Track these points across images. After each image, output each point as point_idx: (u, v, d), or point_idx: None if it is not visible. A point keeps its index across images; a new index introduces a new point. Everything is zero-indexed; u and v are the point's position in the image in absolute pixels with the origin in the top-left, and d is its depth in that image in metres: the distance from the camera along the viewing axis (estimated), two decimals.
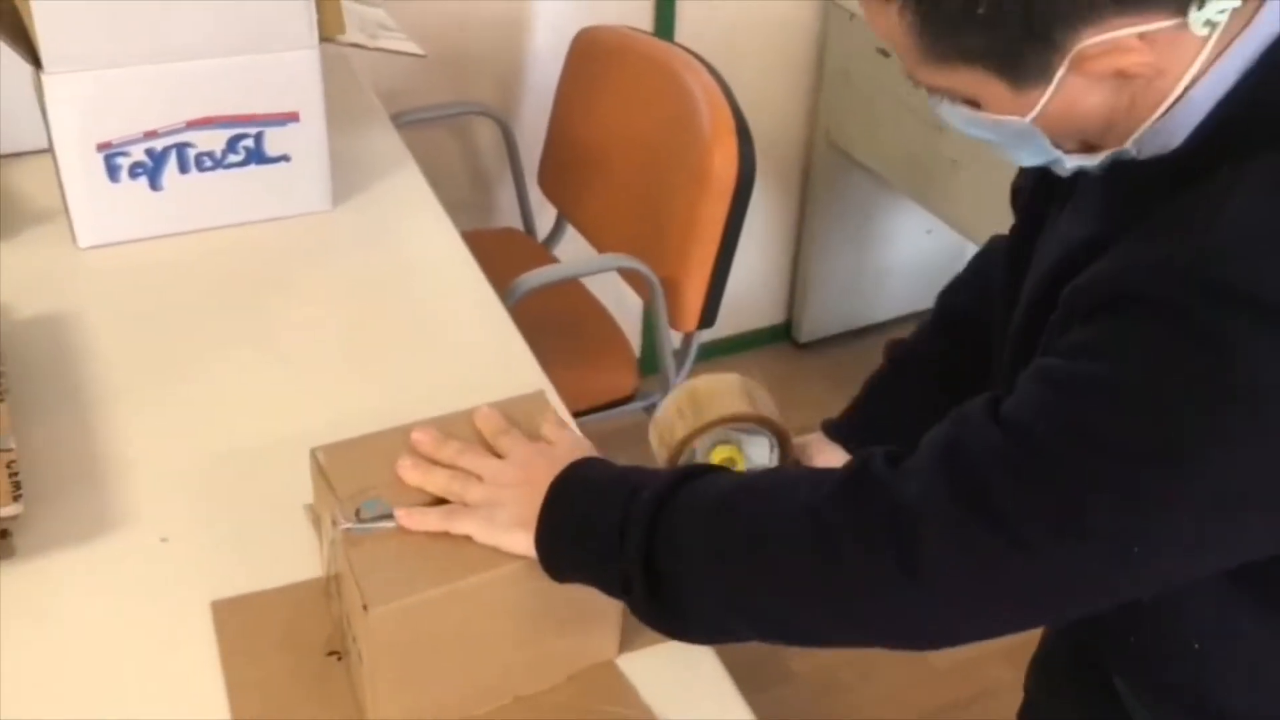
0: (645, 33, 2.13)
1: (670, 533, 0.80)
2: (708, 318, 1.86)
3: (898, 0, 0.73)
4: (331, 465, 0.91)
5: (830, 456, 1.06)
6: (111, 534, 1.05)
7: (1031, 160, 0.81)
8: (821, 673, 2.07)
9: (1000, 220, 0.99)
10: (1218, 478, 0.68)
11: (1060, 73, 0.72)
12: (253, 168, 1.44)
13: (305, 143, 1.45)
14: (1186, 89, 0.73)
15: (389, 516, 0.87)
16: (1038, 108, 0.74)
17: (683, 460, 0.99)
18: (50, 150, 1.38)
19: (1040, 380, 0.73)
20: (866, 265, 2.76)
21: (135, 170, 1.40)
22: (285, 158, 1.45)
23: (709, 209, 1.77)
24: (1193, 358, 0.67)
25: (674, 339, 1.92)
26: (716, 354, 2.69)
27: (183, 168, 1.41)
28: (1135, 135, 0.76)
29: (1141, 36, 0.70)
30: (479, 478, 0.89)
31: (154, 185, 1.41)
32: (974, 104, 0.77)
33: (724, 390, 1.00)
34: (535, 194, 2.23)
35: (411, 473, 0.90)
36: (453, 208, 1.56)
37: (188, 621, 0.97)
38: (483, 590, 0.86)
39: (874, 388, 1.11)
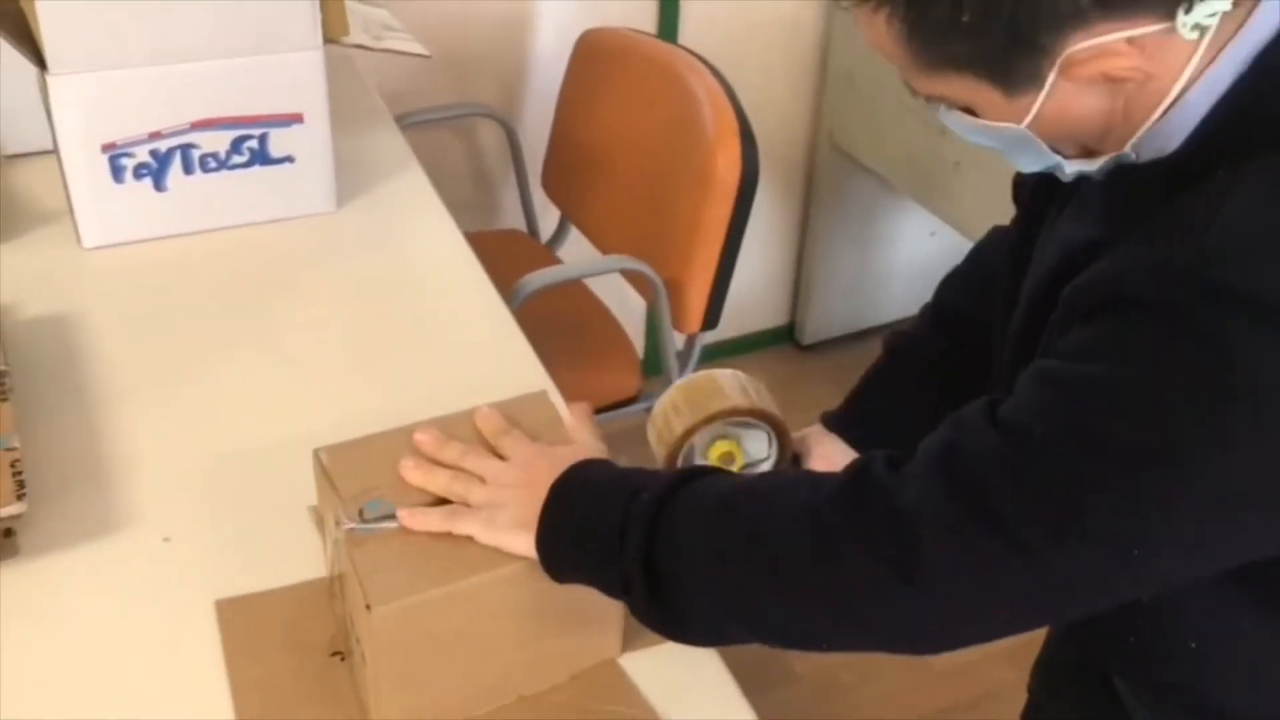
0: (649, 34, 2.13)
1: (670, 534, 0.80)
2: (711, 319, 1.87)
3: (885, 9, 0.73)
4: (335, 466, 0.91)
5: (829, 448, 1.06)
6: (115, 534, 1.05)
7: (1032, 166, 0.81)
8: (823, 674, 2.07)
9: (1003, 222, 1.00)
10: (1217, 478, 0.68)
11: (1051, 78, 0.72)
12: (257, 169, 1.45)
13: (309, 144, 1.46)
14: (1181, 92, 0.73)
15: (392, 517, 0.87)
16: (1031, 113, 0.75)
17: (681, 457, 0.99)
18: (55, 151, 1.38)
19: (1039, 382, 0.73)
20: (870, 267, 2.76)
21: (140, 171, 1.40)
22: (289, 159, 1.46)
23: (712, 210, 1.77)
24: (1192, 358, 0.67)
25: (677, 340, 1.92)
26: (720, 355, 2.69)
27: (187, 169, 1.42)
28: (1133, 140, 0.76)
29: (1130, 41, 0.70)
30: (481, 479, 0.89)
31: (158, 186, 1.42)
32: (970, 111, 0.77)
33: (720, 385, 1.00)
34: (539, 195, 2.24)
35: (414, 473, 0.90)
36: (456, 209, 1.56)
37: (190, 621, 0.97)
38: (485, 590, 0.86)
39: (871, 380, 1.11)
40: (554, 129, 2.16)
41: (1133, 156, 0.77)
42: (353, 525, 0.86)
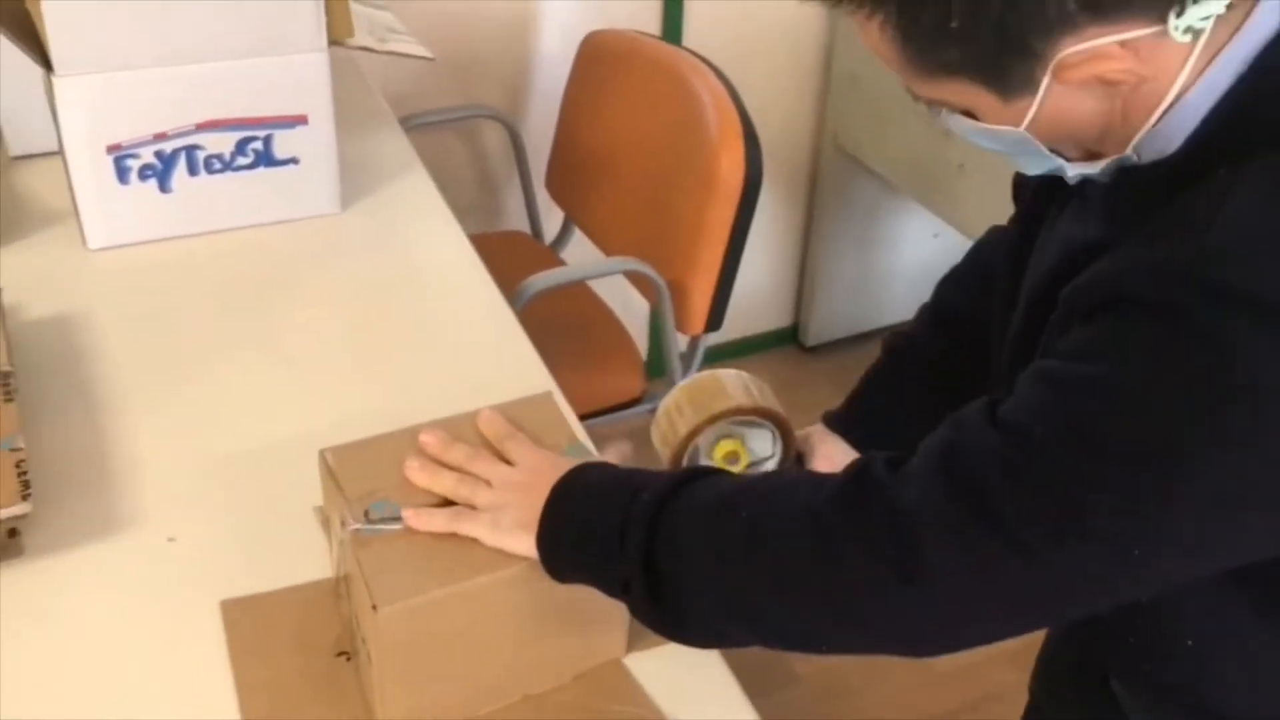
0: (653, 36, 2.13)
1: (670, 534, 0.81)
2: (714, 321, 1.87)
3: (879, 16, 0.73)
4: (340, 466, 0.91)
5: (831, 448, 1.06)
6: (119, 534, 1.05)
7: (1036, 169, 0.81)
8: (826, 676, 2.07)
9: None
10: (1217, 478, 0.68)
11: (1045, 82, 0.72)
12: (261, 170, 1.45)
13: (314, 145, 1.46)
14: (1180, 94, 0.73)
15: (397, 518, 0.87)
16: (1029, 116, 0.75)
17: (686, 457, 0.99)
18: (60, 152, 1.39)
19: (1039, 382, 0.73)
20: (873, 269, 2.76)
21: (145, 172, 1.40)
22: (294, 160, 1.46)
23: (716, 212, 1.77)
24: (1192, 358, 0.67)
25: (681, 342, 1.92)
26: (723, 357, 2.69)
27: (192, 170, 1.42)
28: (1134, 142, 0.76)
29: (1123, 44, 0.70)
30: (488, 483, 0.90)
31: (163, 187, 1.42)
32: (970, 114, 0.77)
33: (724, 384, 1.00)
34: (543, 197, 2.24)
35: (419, 474, 0.90)
36: (460, 211, 1.56)
37: (195, 622, 0.97)
38: (490, 590, 0.86)
39: (871, 381, 1.11)
40: (558, 131, 2.16)
41: (1134, 159, 0.77)
42: (358, 526, 0.87)
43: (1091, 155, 0.80)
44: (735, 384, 1.00)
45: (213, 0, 1.34)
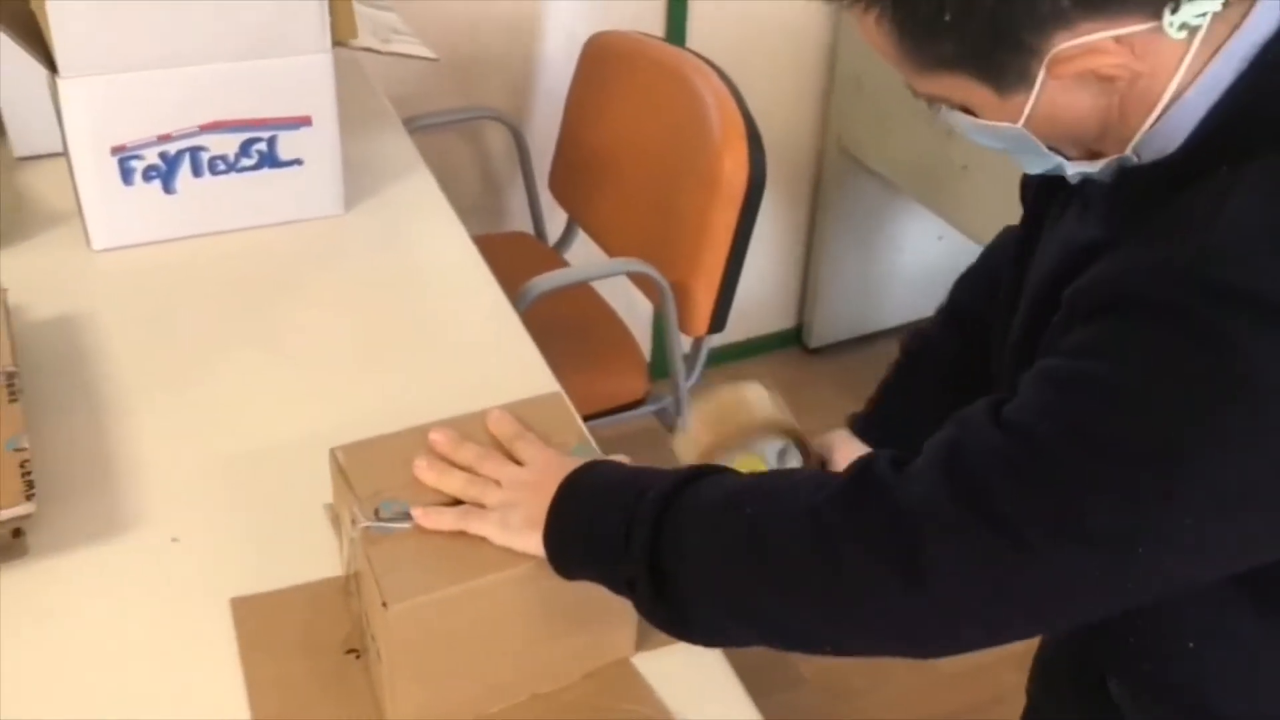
0: (657, 38, 2.13)
1: (675, 533, 0.81)
2: (718, 322, 1.87)
3: (874, 10, 0.74)
4: (351, 465, 0.91)
5: (851, 450, 1.06)
6: (124, 534, 1.05)
7: (1036, 167, 0.81)
8: (831, 678, 2.07)
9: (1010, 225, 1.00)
10: (1219, 478, 0.68)
11: (1040, 77, 0.72)
12: (265, 171, 1.45)
13: (318, 147, 1.46)
14: (1179, 92, 0.73)
15: (407, 516, 0.87)
16: (1025, 112, 0.75)
17: None
18: (65, 153, 1.39)
19: (1042, 381, 0.73)
20: (877, 270, 2.76)
21: (149, 173, 1.41)
22: (298, 161, 1.46)
23: (719, 214, 1.77)
24: (1193, 358, 0.67)
25: (684, 343, 1.92)
26: (727, 359, 2.69)
27: (196, 171, 1.42)
28: (1134, 141, 0.76)
29: (1118, 40, 0.70)
30: (497, 483, 0.90)
31: (167, 188, 1.42)
32: (968, 111, 0.78)
33: (747, 400, 1.01)
34: (546, 198, 2.24)
35: (428, 473, 0.91)
36: (464, 212, 1.56)
37: (200, 621, 0.97)
38: (500, 588, 0.86)
39: (889, 383, 1.12)
40: (561, 132, 2.16)
41: (1134, 159, 0.77)
42: (368, 524, 0.87)
43: (1092, 154, 0.80)
44: (759, 399, 1.01)
45: (216, 1, 1.34)
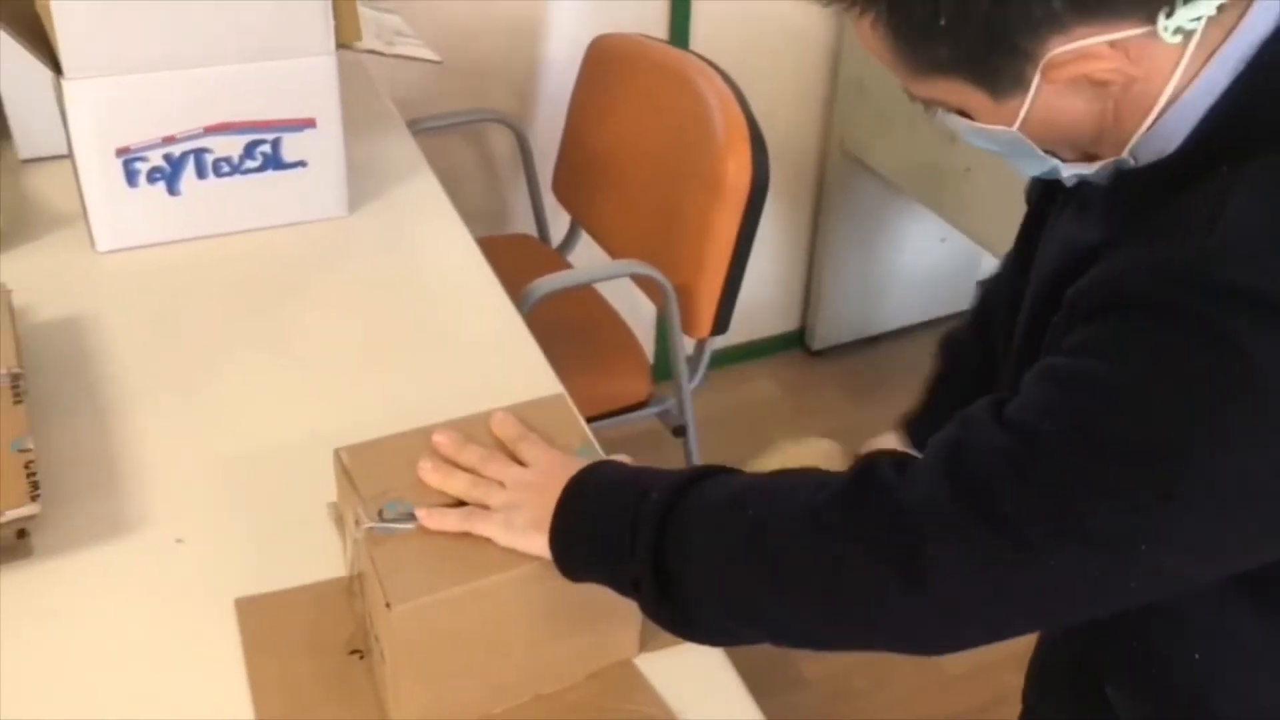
0: (660, 40, 2.14)
1: (679, 533, 0.81)
2: (721, 324, 1.87)
3: (870, 14, 0.74)
4: (355, 465, 0.92)
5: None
6: (128, 535, 1.06)
7: (1032, 170, 0.82)
8: (834, 679, 2.07)
9: (1014, 228, 1.00)
10: (1220, 478, 0.68)
11: (1035, 81, 0.73)
12: (270, 173, 1.45)
13: (322, 149, 1.46)
14: (1175, 95, 0.73)
15: (411, 517, 0.88)
16: (1020, 116, 0.75)
17: None
18: (69, 155, 1.39)
19: (1045, 380, 0.73)
20: (880, 273, 2.76)
21: (153, 175, 1.41)
22: (302, 163, 1.46)
23: (722, 216, 1.77)
24: (1194, 358, 0.67)
25: (687, 345, 1.93)
26: (730, 361, 2.70)
27: (200, 173, 1.42)
28: (1130, 144, 0.76)
29: (1112, 44, 0.70)
30: (501, 485, 0.90)
31: (172, 190, 1.42)
32: (964, 114, 0.78)
33: (813, 456, 1.02)
34: (549, 200, 2.24)
35: (432, 475, 0.91)
36: (467, 214, 1.56)
37: (204, 622, 0.97)
38: (503, 589, 0.86)
39: (927, 384, 1.13)
40: (565, 134, 2.16)
41: (1131, 161, 0.77)
42: (372, 524, 0.87)
43: (1088, 157, 0.80)
44: (826, 456, 1.02)
45: (221, 4, 1.34)
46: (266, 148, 1.44)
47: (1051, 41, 0.70)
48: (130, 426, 1.17)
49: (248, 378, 1.25)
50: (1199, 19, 0.70)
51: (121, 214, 1.42)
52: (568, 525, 0.85)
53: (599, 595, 0.86)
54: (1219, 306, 0.66)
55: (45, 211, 1.49)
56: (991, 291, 1.12)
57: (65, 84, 1.33)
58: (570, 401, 1.05)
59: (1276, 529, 0.71)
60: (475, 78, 2.22)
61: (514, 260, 1.88)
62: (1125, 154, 0.77)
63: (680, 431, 1.96)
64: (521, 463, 0.92)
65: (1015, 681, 1.15)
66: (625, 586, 0.84)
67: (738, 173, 1.74)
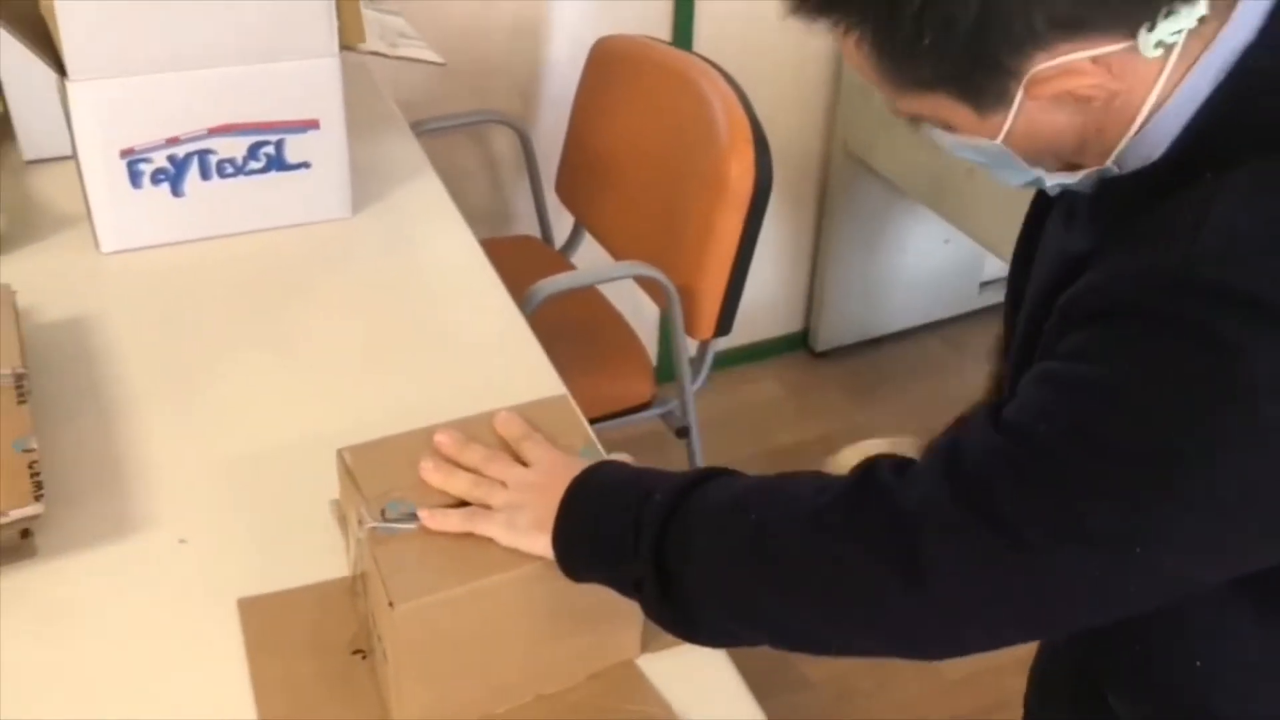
0: (663, 42, 2.14)
1: (681, 534, 0.81)
2: (724, 325, 1.87)
3: (855, 33, 0.74)
4: (358, 465, 0.92)
5: None
6: (132, 535, 1.06)
7: (1015, 180, 0.82)
8: (837, 681, 2.07)
9: (1018, 229, 1.00)
10: (1218, 478, 0.68)
11: (1019, 96, 0.73)
12: (273, 174, 1.46)
13: (325, 150, 1.46)
14: (1157, 105, 0.73)
15: (413, 517, 0.88)
16: (1004, 130, 0.76)
17: None
18: (74, 156, 1.39)
19: (1042, 383, 0.73)
20: (884, 274, 2.76)
21: (157, 176, 1.41)
22: (305, 165, 1.46)
23: (726, 217, 1.77)
24: (1188, 359, 0.67)
25: (690, 346, 1.93)
26: (733, 362, 2.70)
27: (204, 174, 1.43)
28: (1114, 154, 0.77)
29: (1095, 60, 0.71)
30: (503, 484, 0.90)
31: (175, 191, 1.43)
32: (949, 128, 0.78)
33: (888, 449, 1.02)
34: (553, 202, 2.24)
35: (433, 475, 0.91)
36: (471, 215, 1.57)
37: (207, 622, 0.98)
38: (506, 589, 0.86)
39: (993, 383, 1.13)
40: (568, 136, 2.16)
41: (1115, 170, 0.78)
42: (375, 524, 0.87)
43: (1072, 166, 0.80)
44: (897, 448, 1.02)
45: (225, 5, 1.35)
46: (270, 149, 1.44)
47: (1034, 58, 0.71)
48: (134, 427, 1.17)
49: (251, 378, 1.25)
50: (1180, 32, 0.70)
51: (125, 215, 1.42)
52: (570, 525, 0.85)
53: (601, 595, 0.86)
54: (1208, 309, 0.67)
55: (49, 212, 1.49)
56: None
57: (69, 85, 1.33)
58: (573, 402, 1.05)
59: (1275, 529, 0.71)
60: (478, 79, 2.22)
61: (517, 261, 1.89)
62: (1109, 163, 0.77)
63: (683, 433, 1.96)
64: (524, 463, 0.92)
65: (1017, 686, 1.15)
66: (627, 587, 0.84)
67: (741, 174, 1.74)
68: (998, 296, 1.02)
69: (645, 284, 1.91)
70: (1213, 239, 0.68)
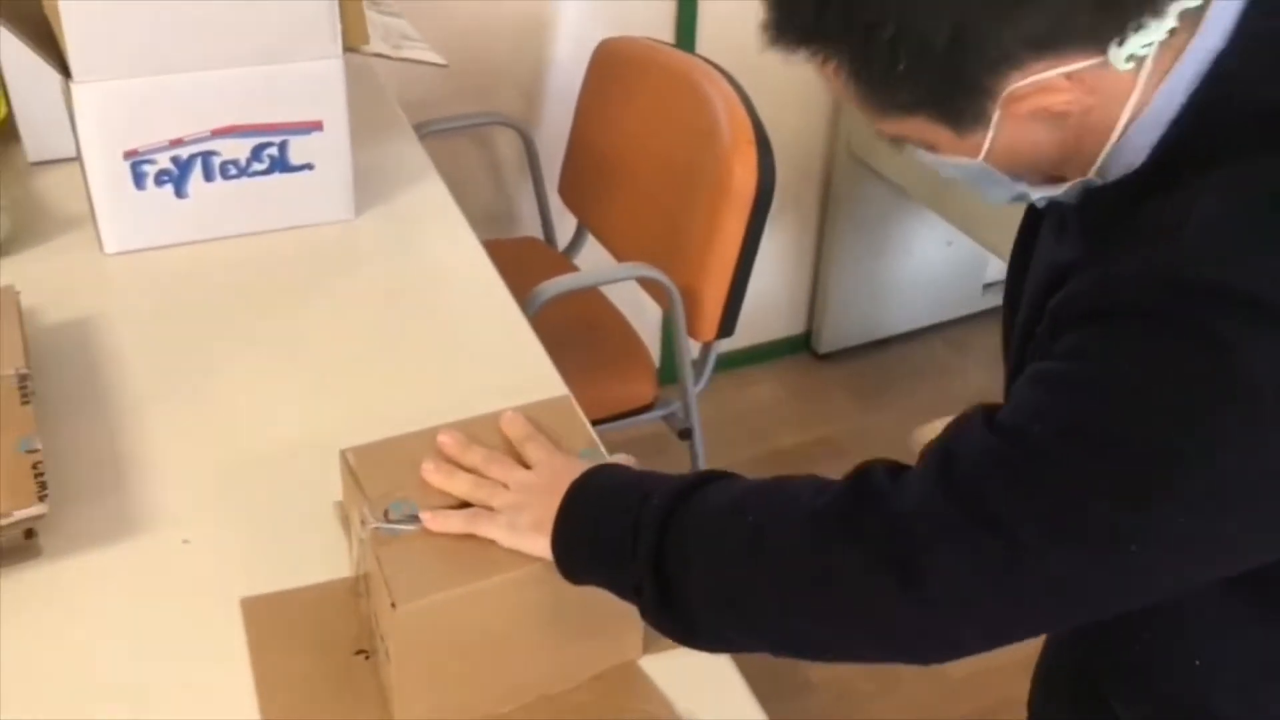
0: (666, 43, 2.14)
1: (679, 538, 0.81)
2: (726, 327, 1.87)
3: (833, 61, 0.75)
4: (361, 466, 0.92)
5: None
6: (136, 535, 1.06)
7: (1001, 196, 0.83)
8: (840, 683, 2.07)
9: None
10: (1217, 477, 0.68)
11: (996, 115, 0.74)
12: (277, 176, 1.46)
13: (329, 152, 1.47)
14: (1135, 115, 0.74)
15: (416, 518, 0.88)
16: (984, 148, 0.77)
17: None
18: (78, 158, 1.40)
19: (1034, 384, 0.74)
20: (887, 276, 2.76)
21: (161, 178, 1.41)
22: (309, 166, 1.47)
23: (729, 219, 1.77)
24: (1177, 356, 0.67)
25: (693, 348, 1.93)
26: (736, 364, 2.70)
27: (208, 176, 1.43)
28: (1095, 165, 0.77)
29: (1069, 76, 0.71)
30: (505, 486, 0.90)
31: (179, 193, 1.43)
32: (931, 148, 0.79)
33: None
34: (556, 203, 2.24)
35: (434, 476, 0.91)
36: (474, 217, 1.57)
37: (211, 622, 0.98)
38: (508, 589, 0.87)
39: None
40: (571, 137, 2.17)
41: (1098, 181, 0.78)
42: (378, 525, 0.87)
43: (1056, 179, 0.81)
44: None
45: (229, 7, 1.35)
46: (274, 151, 1.44)
47: (1009, 77, 0.72)
48: (138, 427, 1.18)
49: (254, 379, 1.26)
50: (1150, 45, 0.71)
51: (129, 216, 1.42)
52: (569, 528, 0.85)
53: (603, 597, 0.86)
54: (1207, 308, 0.67)
55: (54, 214, 1.49)
56: None
57: (74, 87, 1.34)
58: (575, 403, 1.05)
59: (1271, 527, 0.71)
60: (482, 81, 2.23)
61: (520, 263, 1.89)
62: (1092, 174, 0.78)
63: (686, 435, 1.96)
64: (526, 464, 0.93)
65: (1020, 687, 1.15)
66: (626, 591, 0.84)
67: (744, 176, 1.75)
68: (1000, 298, 1.01)
69: (648, 285, 1.91)
70: (1197, 238, 0.69)
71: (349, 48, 1.45)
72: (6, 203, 1.45)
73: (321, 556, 1.02)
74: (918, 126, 0.77)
